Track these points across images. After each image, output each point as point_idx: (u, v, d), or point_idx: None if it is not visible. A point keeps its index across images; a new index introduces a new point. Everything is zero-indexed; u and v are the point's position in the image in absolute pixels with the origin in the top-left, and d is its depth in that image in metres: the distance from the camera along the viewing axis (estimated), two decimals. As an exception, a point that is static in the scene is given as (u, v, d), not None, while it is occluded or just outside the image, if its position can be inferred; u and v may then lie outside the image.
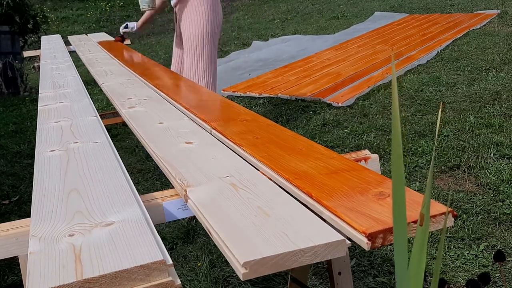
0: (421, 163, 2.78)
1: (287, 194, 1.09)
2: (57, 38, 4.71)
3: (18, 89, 5.64)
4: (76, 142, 1.51)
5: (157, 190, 2.62)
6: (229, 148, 1.42)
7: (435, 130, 3.24)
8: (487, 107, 3.59)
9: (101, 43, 3.99)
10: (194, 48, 2.86)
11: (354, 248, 2.08)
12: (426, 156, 2.85)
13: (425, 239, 0.53)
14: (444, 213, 0.96)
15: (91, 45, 4.06)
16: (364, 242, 0.90)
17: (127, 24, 3.56)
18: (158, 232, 1.03)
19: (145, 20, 3.35)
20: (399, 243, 0.53)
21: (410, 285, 0.53)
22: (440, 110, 0.52)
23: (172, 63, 3.19)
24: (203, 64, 2.88)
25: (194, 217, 2.27)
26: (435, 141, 0.57)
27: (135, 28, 3.47)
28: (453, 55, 5.19)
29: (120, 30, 3.64)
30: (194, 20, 2.83)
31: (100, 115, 1.87)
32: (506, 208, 2.24)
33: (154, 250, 0.86)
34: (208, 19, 2.82)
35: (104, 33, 4.98)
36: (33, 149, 3.57)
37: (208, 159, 1.32)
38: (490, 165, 2.66)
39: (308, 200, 1.06)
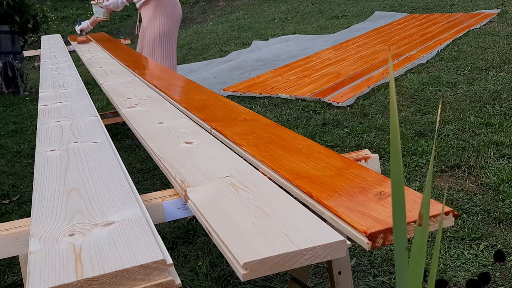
0: (421, 162, 2.78)
1: (287, 194, 1.09)
2: (57, 38, 4.70)
3: (18, 89, 5.64)
4: (76, 142, 1.51)
5: (157, 190, 2.61)
6: (229, 148, 1.42)
7: (435, 129, 3.24)
8: (487, 106, 3.59)
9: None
10: (151, 45, 3.45)
11: (354, 247, 2.08)
12: (426, 156, 2.85)
13: (425, 239, 0.53)
14: (444, 213, 0.96)
15: (91, 45, 4.06)
16: (364, 242, 0.90)
17: (80, 22, 4.10)
18: (158, 231, 1.03)
19: (94, 22, 4.00)
20: (399, 243, 0.53)
21: (410, 285, 0.53)
22: (440, 108, 0.52)
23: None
24: (161, 59, 3.47)
25: (194, 218, 2.27)
26: (434, 141, 0.57)
27: (89, 25, 4.04)
28: (453, 54, 5.19)
29: (76, 29, 4.13)
30: (153, 22, 3.42)
31: (100, 115, 1.87)
32: (506, 208, 2.24)
33: (154, 250, 0.86)
34: (164, 21, 3.41)
35: (104, 33, 4.97)
36: (33, 148, 3.57)
37: (208, 159, 1.32)
38: (490, 165, 2.66)
39: (309, 200, 1.06)
